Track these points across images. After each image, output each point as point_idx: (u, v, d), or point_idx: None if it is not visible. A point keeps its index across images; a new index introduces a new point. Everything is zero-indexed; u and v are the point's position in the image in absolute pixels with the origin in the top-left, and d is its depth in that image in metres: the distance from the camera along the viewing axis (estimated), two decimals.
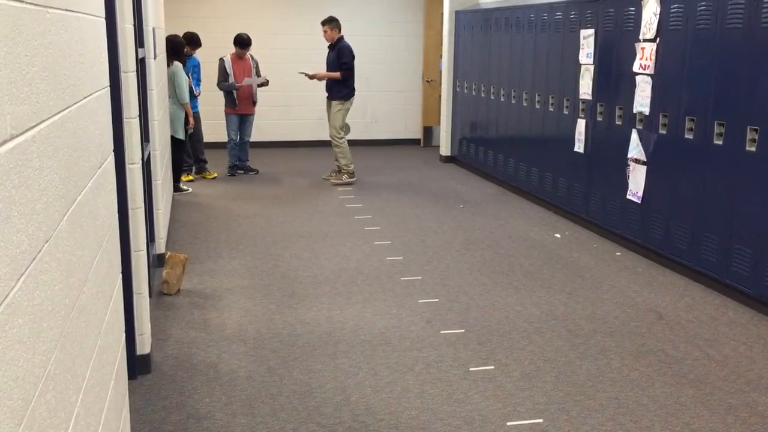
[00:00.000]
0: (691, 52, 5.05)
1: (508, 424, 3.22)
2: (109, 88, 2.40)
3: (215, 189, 8.21)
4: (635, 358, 3.89)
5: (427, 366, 3.77)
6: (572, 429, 3.18)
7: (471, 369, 3.74)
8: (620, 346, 4.04)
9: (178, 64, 7.58)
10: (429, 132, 11.55)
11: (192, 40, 8.37)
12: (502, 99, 8.23)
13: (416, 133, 11.58)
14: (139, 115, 4.31)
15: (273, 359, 3.84)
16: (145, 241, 3.68)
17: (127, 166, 3.42)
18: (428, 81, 11.34)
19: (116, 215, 2.45)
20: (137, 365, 3.58)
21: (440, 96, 10.51)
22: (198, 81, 8.49)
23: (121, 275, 2.51)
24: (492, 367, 3.77)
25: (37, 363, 1.28)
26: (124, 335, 2.49)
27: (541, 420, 3.25)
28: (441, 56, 10.59)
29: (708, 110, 4.89)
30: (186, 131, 7.76)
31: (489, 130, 8.68)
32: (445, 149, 10.10)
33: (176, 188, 7.88)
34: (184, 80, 7.60)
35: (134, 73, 3.52)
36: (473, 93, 9.09)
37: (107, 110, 2.36)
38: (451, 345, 4.03)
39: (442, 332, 4.21)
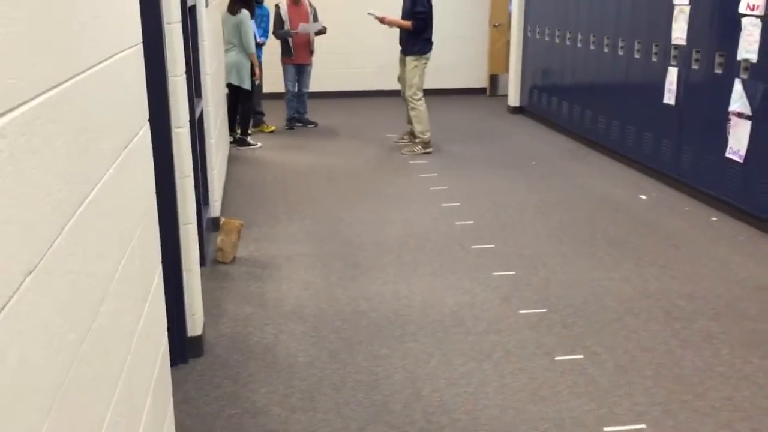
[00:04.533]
0: None
1: (605, 430, 2.79)
2: (141, 45, 2.00)
3: (273, 143, 7.86)
4: (747, 347, 3.39)
5: (507, 353, 3.36)
6: None
7: (557, 358, 3.31)
8: (728, 333, 3.53)
9: (245, 12, 7.17)
10: (495, 81, 10.91)
11: None
12: (579, 45, 7.55)
13: (482, 82, 10.94)
14: (189, 71, 3.94)
15: (335, 342, 3.49)
16: (195, 211, 3.33)
17: (173, 131, 3.06)
18: (495, 26, 10.64)
19: (153, 196, 2.08)
20: (188, 348, 3.28)
21: (508, 42, 9.84)
22: (265, 31, 8.09)
23: (160, 265, 2.15)
24: (581, 356, 3.33)
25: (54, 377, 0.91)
26: (165, 344, 2.14)
27: (643, 426, 2.81)
28: None
29: None
30: (253, 82, 7.40)
31: (564, 78, 8.03)
32: (513, 99, 9.48)
33: (244, 142, 7.57)
34: (251, 29, 7.21)
35: (179, 24, 3.12)
36: (546, 38, 8.41)
37: (139, 72, 1.96)
38: (532, 328, 3.60)
39: (521, 312, 3.78)
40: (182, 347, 3.24)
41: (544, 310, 3.79)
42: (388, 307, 3.85)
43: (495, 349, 3.40)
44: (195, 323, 3.32)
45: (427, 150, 7.27)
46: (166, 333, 2.22)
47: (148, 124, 2.06)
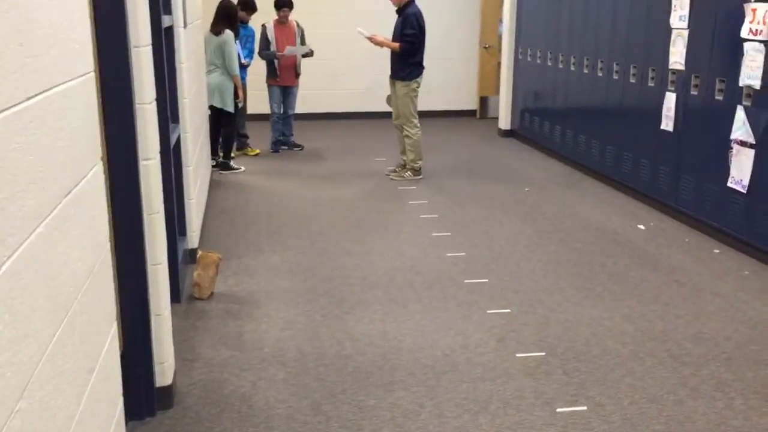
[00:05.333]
0: None
1: None
2: (92, 73, 1.74)
3: (257, 167, 7.60)
4: (762, 397, 3.15)
5: (504, 404, 3.10)
6: None
7: (558, 410, 3.05)
8: (741, 380, 3.29)
9: (229, 33, 6.92)
10: (485, 103, 10.73)
11: (247, 5, 7.72)
12: (572, 68, 7.37)
13: (472, 104, 10.76)
14: (163, 96, 3.69)
15: (318, 390, 3.21)
16: (166, 250, 3.06)
17: (141, 163, 2.79)
18: (485, 47, 10.47)
19: (106, 246, 1.81)
20: (156, 399, 2.99)
21: (498, 64, 9.67)
22: (250, 52, 7.84)
23: (115, 323, 1.88)
24: (584, 407, 3.07)
25: None
26: (120, 412, 1.86)
27: None
28: (500, 20, 9.73)
29: None
30: (236, 104, 7.15)
31: (556, 102, 7.84)
32: (504, 122, 9.28)
33: (227, 166, 7.31)
34: (235, 50, 6.97)
35: (148, 48, 2.87)
36: (538, 61, 8.23)
37: (89, 105, 1.70)
38: (530, 374, 3.34)
39: (518, 355, 3.52)
40: (149, 399, 2.96)
41: (543, 354, 3.53)
42: (375, 349, 3.58)
43: (491, 400, 3.13)
44: (164, 372, 3.03)
45: (417, 177, 7.01)
46: (122, 401, 1.94)
47: (100, 163, 1.80)
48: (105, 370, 1.73)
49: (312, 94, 10.00)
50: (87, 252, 1.60)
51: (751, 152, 4.75)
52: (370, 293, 4.28)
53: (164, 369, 3.04)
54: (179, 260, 4.20)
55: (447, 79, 10.52)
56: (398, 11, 6.85)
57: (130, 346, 2.85)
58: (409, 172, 7.02)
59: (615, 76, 6.49)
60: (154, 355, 2.97)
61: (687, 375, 3.33)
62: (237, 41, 7.40)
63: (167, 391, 3.05)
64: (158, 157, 2.99)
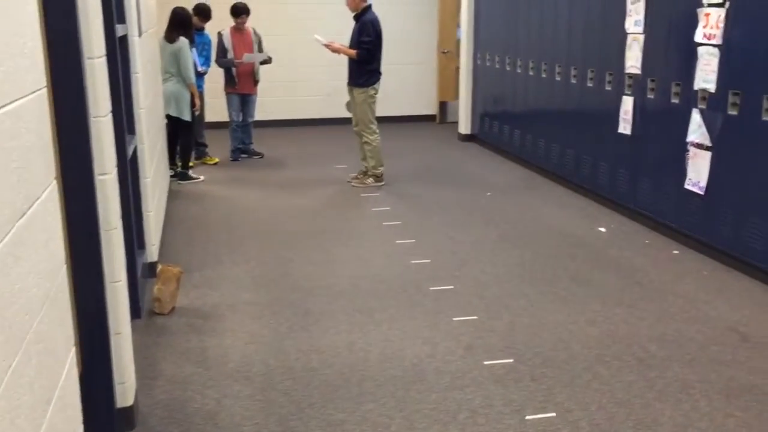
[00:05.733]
0: None
1: None
2: (45, 89, 1.67)
3: (217, 176, 7.49)
4: (726, 398, 3.19)
5: (473, 413, 3.08)
6: None
7: (527, 417, 3.05)
8: (705, 381, 3.33)
9: (184, 40, 6.80)
10: (444, 108, 10.76)
11: (202, 12, 7.60)
12: (530, 72, 7.43)
13: (431, 109, 10.78)
14: (119, 107, 3.60)
15: (285, 405, 3.15)
16: (125, 267, 2.97)
17: (97, 178, 2.70)
18: (444, 52, 10.51)
19: (62, 268, 1.74)
20: (117, 421, 2.90)
21: (457, 68, 9.71)
22: (207, 59, 7.72)
23: (73, 348, 1.80)
24: (553, 414, 3.07)
25: None
26: None
27: None
28: (458, 25, 9.77)
29: None
30: (193, 113, 7.03)
31: (515, 106, 7.89)
32: (464, 127, 9.32)
33: (185, 176, 7.17)
34: (189, 58, 6.85)
35: (103, 59, 2.78)
36: (496, 65, 8.29)
37: (41, 122, 1.63)
38: (499, 381, 3.34)
39: (486, 363, 3.51)
40: (110, 421, 2.86)
41: (511, 360, 3.53)
42: (342, 361, 3.54)
43: (460, 409, 3.11)
44: (125, 393, 2.94)
45: (379, 183, 6.99)
46: (81, 429, 1.86)
47: (55, 182, 1.72)
48: (63, 398, 1.66)
49: (271, 101, 9.91)
50: (43, 277, 1.53)
51: (708, 154, 4.83)
52: (335, 303, 4.23)
53: (125, 389, 2.94)
54: (138, 275, 4.10)
55: (406, 84, 10.53)
56: (355, 18, 6.85)
57: (88, 368, 2.76)
58: (371, 179, 7.01)
59: (573, 81, 6.56)
60: (115, 375, 2.87)
61: (652, 377, 3.36)
62: (193, 49, 7.30)
63: (129, 412, 2.96)
64: (115, 171, 2.90)
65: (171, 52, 6.78)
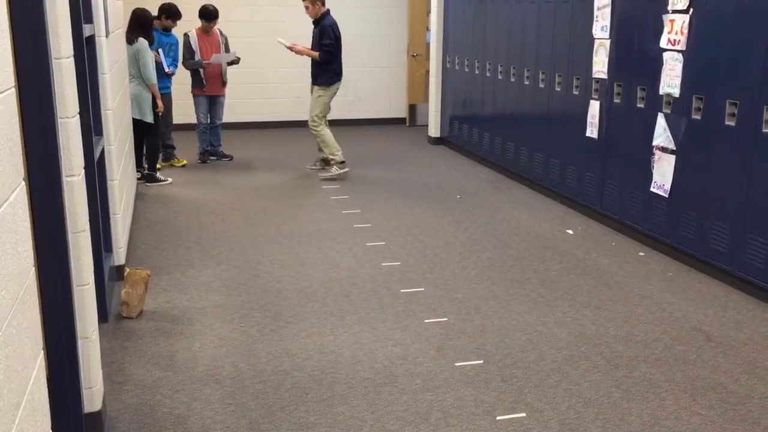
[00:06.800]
0: (734, 25, 4.36)
1: None
2: (13, 89, 1.64)
3: (185, 178, 7.42)
4: (692, 396, 3.25)
5: (445, 414, 3.10)
6: None
7: (498, 418, 3.07)
8: (671, 380, 3.39)
9: (143, 41, 6.72)
10: (414, 111, 10.80)
11: (170, 12, 7.51)
12: (499, 76, 7.50)
13: (401, 112, 10.81)
14: (87, 110, 3.55)
15: (256, 409, 3.13)
16: (92, 270, 2.93)
17: (65, 180, 2.66)
18: (413, 55, 10.55)
19: (30, 272, 1.71)
20: (85, 426, 2.85)
21: (427, 72, 9.76)
22: (174, 60, 7.63)
23: (42, 351, 1.77)
24: (523, 414, 3.10)
25: None
26: None
27: None
28: (428, 28, 9.83)
29: (755, 93, 4.22)
30: (156, 114, 6.95)
31: (484, 109, 7.96)
32: (434, 130, 9.36)
33: (152, 178, 7.09)
34: (150, 59, 6.77)
35: (70, 60, 2.75)
36: (466, 69, 8.35)
37: (10, 123, 1.61)
38: (470, 383, 3.36)
39: (457, 364, 3.53)
40: (78, 426, 2.82)
41: (481, 362, 3.56)
42: (313, 364, 3.53)
43: (432, 410, 3.12)
44: (93, 397, 2.90)
45: (344, 169, 7.32)
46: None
47: (23, 184, 1.70)
48: (32, 402, 1.63)
49: (240, 103, 9.86)
50: (11, 279, 1.50)
51: (672, 158, 4.93)
52: (306, 306, 4.22)
53: (93, 394, 2.90)
54: (106, 278, 4.04)
55: (376, 87, 10.56)
56: (314, 23, 7.31)
57: (56, 372, 2.71)
58: (335, 167, 7.33)
59: (541, 85, 6.63)
60: (82, 379, 2.83)
61: (620, 377, 3.41)
62: (160, 50, 7.23)
63: (97, 417, 2.92)
64: (83, 172, 2.86)
65: (131, 54, 6.70)
